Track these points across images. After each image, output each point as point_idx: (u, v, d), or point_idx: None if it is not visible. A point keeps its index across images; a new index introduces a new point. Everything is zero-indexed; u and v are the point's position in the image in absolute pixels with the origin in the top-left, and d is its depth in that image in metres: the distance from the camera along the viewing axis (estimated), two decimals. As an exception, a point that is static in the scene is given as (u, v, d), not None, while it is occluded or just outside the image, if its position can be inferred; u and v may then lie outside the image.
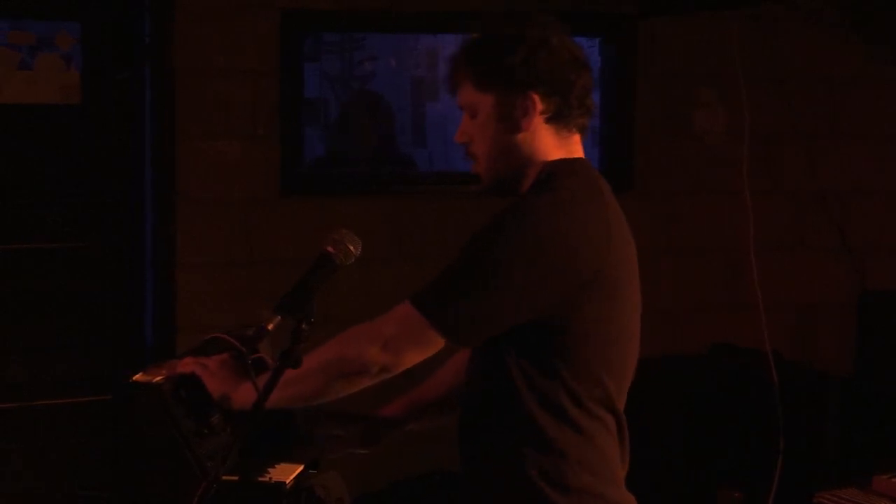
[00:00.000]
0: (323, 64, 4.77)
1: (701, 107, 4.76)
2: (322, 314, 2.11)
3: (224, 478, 2.12)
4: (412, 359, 2.11)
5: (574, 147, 2.22)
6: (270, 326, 2.11)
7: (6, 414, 4.08)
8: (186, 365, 2.29)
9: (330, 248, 2.18)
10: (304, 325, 2.07)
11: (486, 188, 2.24)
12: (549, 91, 2.16)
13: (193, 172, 4.15)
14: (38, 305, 4.11)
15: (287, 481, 2.33)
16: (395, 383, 2.34)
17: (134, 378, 2.28)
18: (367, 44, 4.83)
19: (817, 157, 4.92)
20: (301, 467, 2.41)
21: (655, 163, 4.72)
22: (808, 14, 4.78)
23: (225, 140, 4.19)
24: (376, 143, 4.78)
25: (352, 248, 2.19)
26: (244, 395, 2.20)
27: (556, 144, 2.19)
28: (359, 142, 4.77)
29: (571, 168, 2.18)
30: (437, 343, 2.08)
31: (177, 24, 4.10)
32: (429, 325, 2.06)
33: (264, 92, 4.21)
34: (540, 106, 2.16)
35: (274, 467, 2.38)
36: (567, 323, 2.09)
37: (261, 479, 2.32)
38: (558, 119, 2.18)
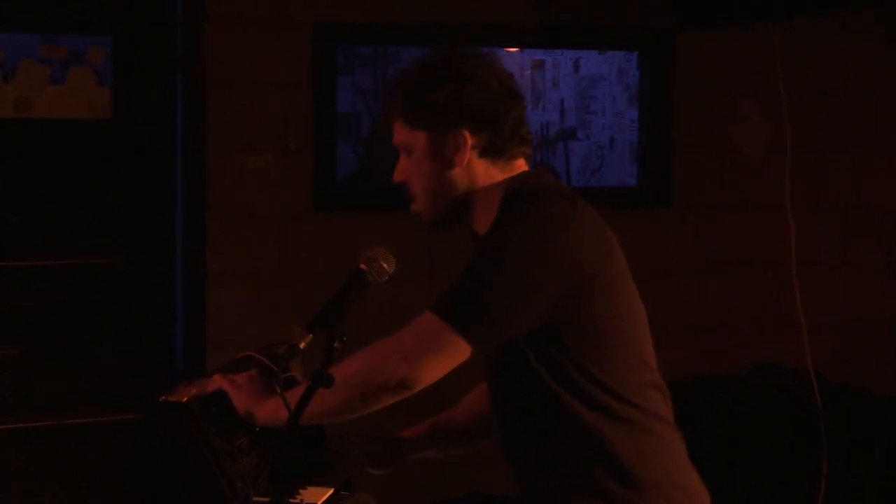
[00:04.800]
0: (356, 77, 4.75)
1: (741, 120, 4.71)
2: (354, 332, 2.08)
3: (255, 499, 2.13)
4: (433, 370, 2.07)
5: (518, 171, 2.22)
6: (302, 345, 2.09)
7: (35, 433, 4.06)
8: (215, 382, 2.27)
9: (363, 266, 2.17)
10: (336, 344, 2.04)
11: (429, 225, 2.27)
12: (480, 126, 2.16)
13: (225, 187, 4.14)
14: (66, 321, 4.10)
15: (318, 503, 2.29)
16: (423, 409, 2.30)
17: (163, 397, 2.26)
18: (401, 57, 4.81)
19: (862, 172, 4.86)
20: (331, 491, 2.37)
21: (694, 178, 4.68)
22: (851, 26, 4.72)
23: (257, 154, 4.18)
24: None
25: (385, 265, 2.17)
26: (270, 412, 2.18)
27: (497, 172, 2.19)
28: (392, 156, 4.73)
29: (540, 179, 2.19)
30: (458, 349, 2.05)
31: (209, 37, 4.10)
32: (448, 328, 2.04)
33: (297, 105, 4.20)
34: (471, 141, 2.16)
35: (305, 489, 2.35)
36: (579, 320, 2.08)
37: (292, 500, 2.30)
38: (492, 152, 2.18)
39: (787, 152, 4.28)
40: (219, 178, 4.14)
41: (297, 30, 4.19)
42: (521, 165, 2.21)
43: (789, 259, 4.22)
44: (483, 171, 2.18)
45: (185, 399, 2.22)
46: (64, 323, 4.09)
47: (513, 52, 4.91)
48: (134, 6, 4.13)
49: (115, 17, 4.11)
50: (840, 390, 4.41)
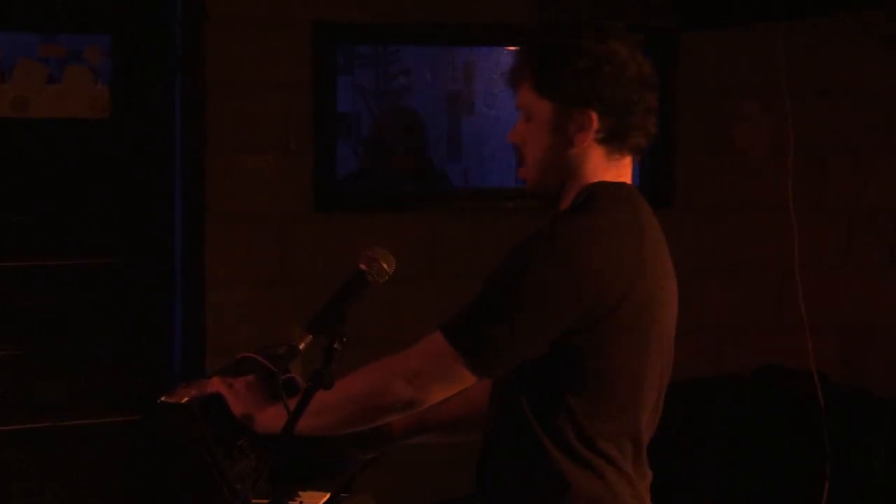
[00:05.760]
0: (356, 77, 4.74)
1: (743, 120, 4.70)
2: (354, 333, 2.07)
3: (254, 501, 2.11)
4: (440, 393, 2.08)
5: (623, 171, 2.16)
6: (302, 346, 2.08)
7: (35, 433, 4.05)
8: (214, 385, 2.26)
9: (363, 266, 2.15)
10: (336, 345, 2.03)
11: (531, 192, 2.19)
12: (608, 110, 2.09)
13: (224, 187, 4.13)
14: (67, 321, 4.08)
15: (318, 506, 2.28)
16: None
17: (162, 398, 2.24)
18: (401, 56, 4.79)
19: (864, 171, 4.84)
20: (331, 493, 2.36)
21: (697, 178, 4.66)
22: (851, 26, 4.70)
23: (257, 154, 4.16)
24: (410, 158, 4.74)
25: (385, 266, 2.15)
26: (268, 417, 2.19)
27: (605, 166, 2.13)
28: (392, 157, 4.72)
29: (612, 193, 2.12)
30: (466, 378, 2.04)
31: (208, 36, 4.08)
32: (459, 358, 2.02)
33: (297, 105, 4.18)
34: (596, 125, 2.09)
35: (304, 490, 2.34)
36: (584, 355, 2.03)
37: (291, 502, 2.28)
38: (613, 140, 2.11)
39: (791, 152, 4.27)
40: (218, 179, 4.12)
41: (297, 30, 4.17)
42: (627, 165, 2.15)
43: (791, 259, 4.19)
44: (596, 161, 2.11)
45: (184, 400, 2.21)
46: (64, 323, 4.08)
47: (513, 52, 4.90)
48: (133, 5, 4.11)
49: (113, 16, 4.09)
50: (843, 391, 4.40)
